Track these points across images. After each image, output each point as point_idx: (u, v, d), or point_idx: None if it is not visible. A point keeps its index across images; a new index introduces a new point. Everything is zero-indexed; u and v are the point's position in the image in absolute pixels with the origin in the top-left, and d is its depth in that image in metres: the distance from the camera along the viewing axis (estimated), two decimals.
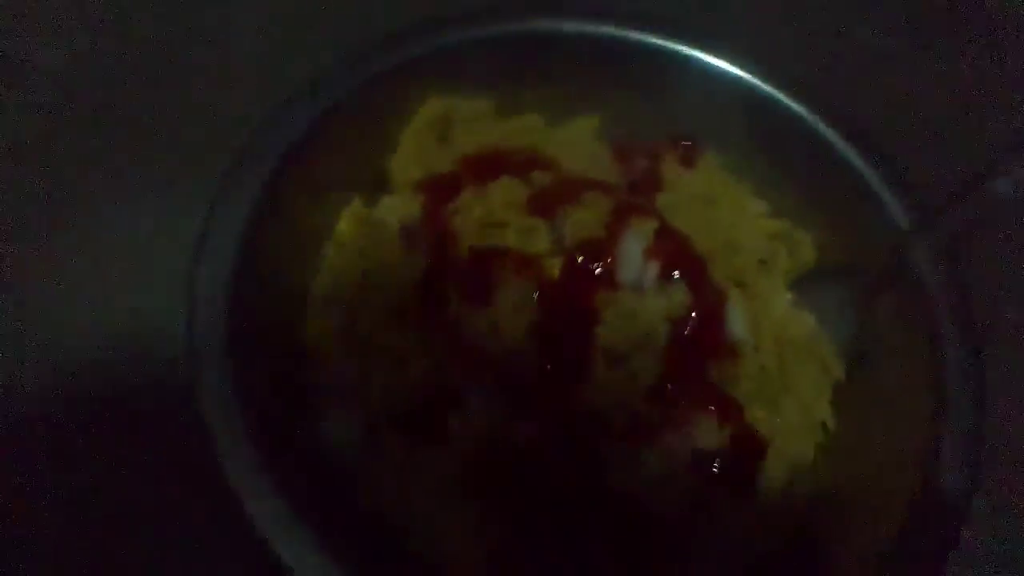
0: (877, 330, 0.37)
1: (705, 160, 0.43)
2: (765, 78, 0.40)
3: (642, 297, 0.36)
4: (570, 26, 0.41)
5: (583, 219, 0.37)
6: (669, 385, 0.35)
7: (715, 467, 0.35)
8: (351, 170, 0.40)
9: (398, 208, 0.39)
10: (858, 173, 0.38)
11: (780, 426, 0.36)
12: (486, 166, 0.39)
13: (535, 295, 0.35)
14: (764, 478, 0.36)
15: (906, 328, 0.36)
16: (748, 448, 0.35)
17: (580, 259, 0.37)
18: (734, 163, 0.43)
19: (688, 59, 0.41)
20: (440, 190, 0.39)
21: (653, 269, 0.37)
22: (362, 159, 0.40)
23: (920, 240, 0.36)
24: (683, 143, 0.43)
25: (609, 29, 0.41)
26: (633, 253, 0.37)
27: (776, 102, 0.40)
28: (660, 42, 0.41)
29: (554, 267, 0.36)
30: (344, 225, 0.39)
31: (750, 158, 0.42)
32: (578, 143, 0.43)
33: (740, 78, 0.40)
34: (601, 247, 0.37)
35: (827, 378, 0.38)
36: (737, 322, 0.38)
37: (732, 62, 0.40)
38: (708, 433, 0.35)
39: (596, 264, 0.37)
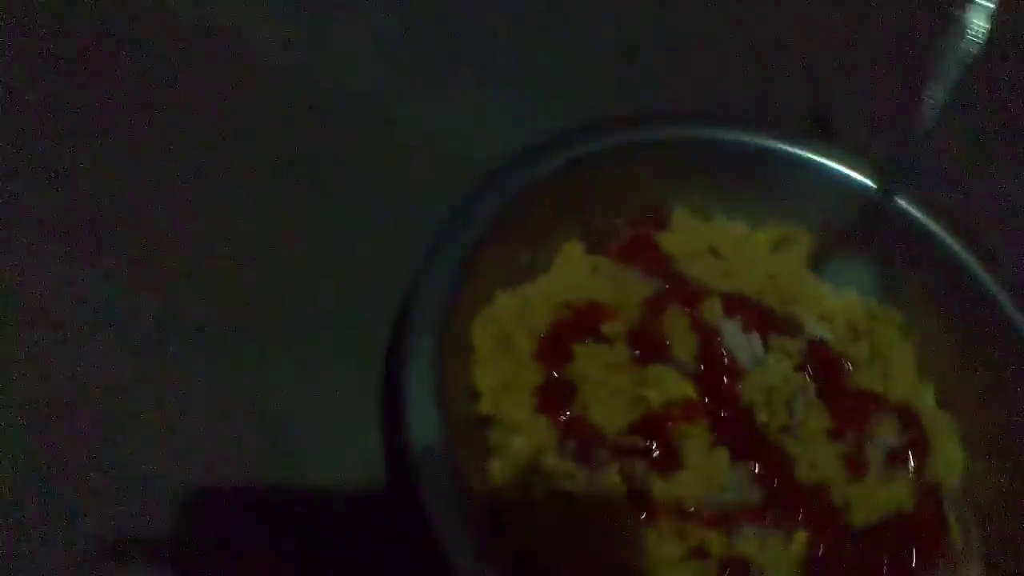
0: None
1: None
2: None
3: (767, 368, 0.40)
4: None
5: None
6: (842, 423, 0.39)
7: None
8: None
9: None
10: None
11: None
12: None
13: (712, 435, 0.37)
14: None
15: None
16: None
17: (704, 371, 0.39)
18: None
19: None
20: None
21: (756, 339, 0.40)
22: None
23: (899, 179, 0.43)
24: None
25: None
26: (736, 337, 0.40)
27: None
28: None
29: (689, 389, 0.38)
30: None
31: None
32: None
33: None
34: (707, 349, 0.39)
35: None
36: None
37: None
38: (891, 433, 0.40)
39: (719, 370, 0.39)
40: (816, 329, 0.43)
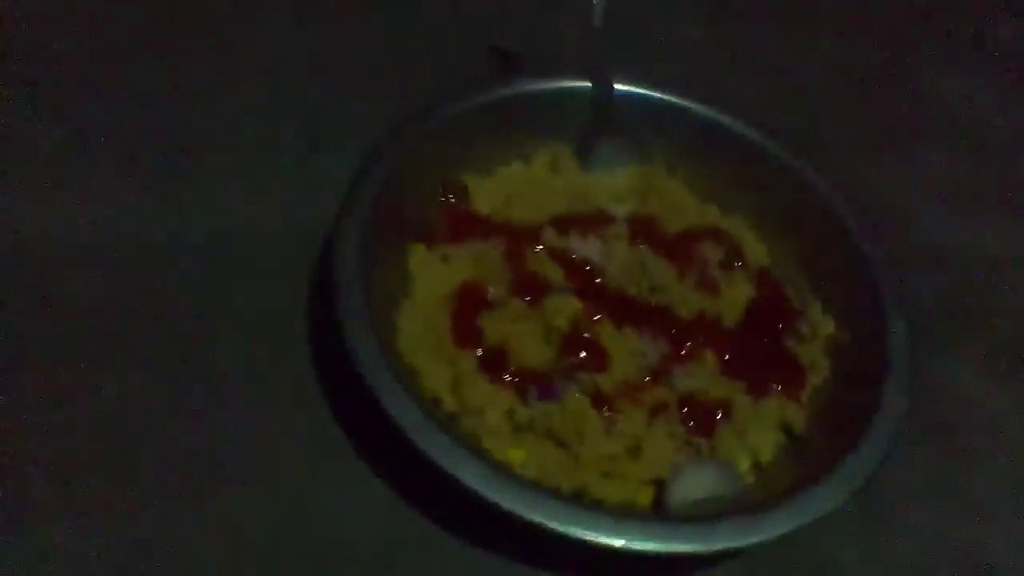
0: None
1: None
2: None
3: (614, 256, 0.49)
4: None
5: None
6: None
7: None
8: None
9: None
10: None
11: None
12: None
13: None
14: None
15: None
16: None
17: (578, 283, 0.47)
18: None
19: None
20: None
21: (593, 240, 0.49)
22: None
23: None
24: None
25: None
26: (582, 247, 0.49)
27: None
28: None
29: None
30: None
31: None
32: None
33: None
34: (570, 267, 0.48)
35: None
36: None
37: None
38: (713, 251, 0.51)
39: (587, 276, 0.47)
40: (620, 211, 0.52)
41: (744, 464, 0.44)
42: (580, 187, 0.53)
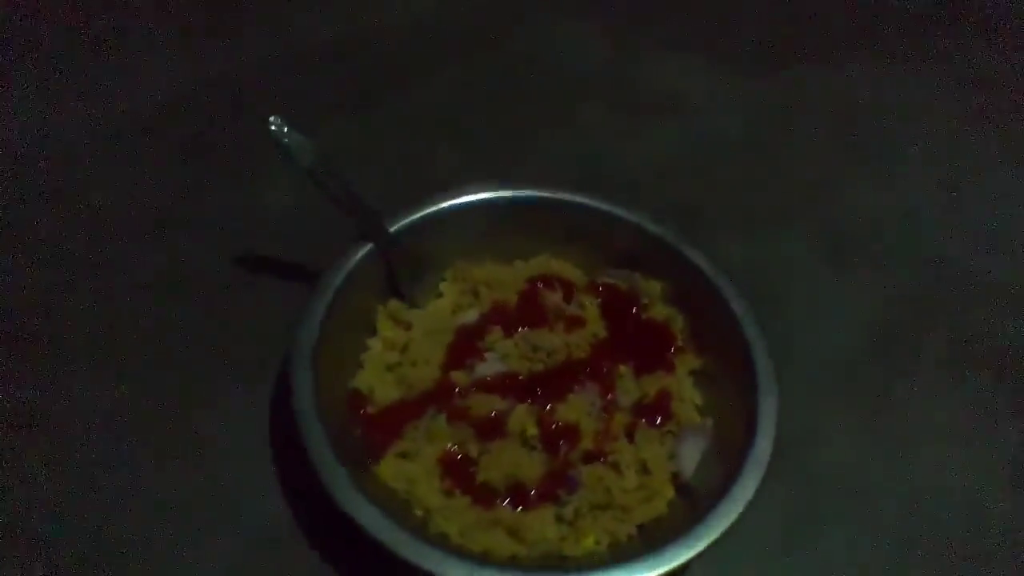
0: None
1: None
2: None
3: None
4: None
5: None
6: None
7: None
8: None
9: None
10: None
11: None
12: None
13: None
14: None
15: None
16: None
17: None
18: None
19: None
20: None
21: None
22: None
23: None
24: None
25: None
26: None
27: None
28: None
29: None
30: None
31: None
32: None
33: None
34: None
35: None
36: None
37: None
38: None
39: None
40: (471, 316, 0.61)
41: (696, 413, 0.57)
42: (430, 322, 0.60)
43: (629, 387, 0.57)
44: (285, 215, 0.71)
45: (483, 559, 0.48)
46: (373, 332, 0.59)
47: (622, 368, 0.58)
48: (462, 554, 0.47)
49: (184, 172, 0.74)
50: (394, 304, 0.60)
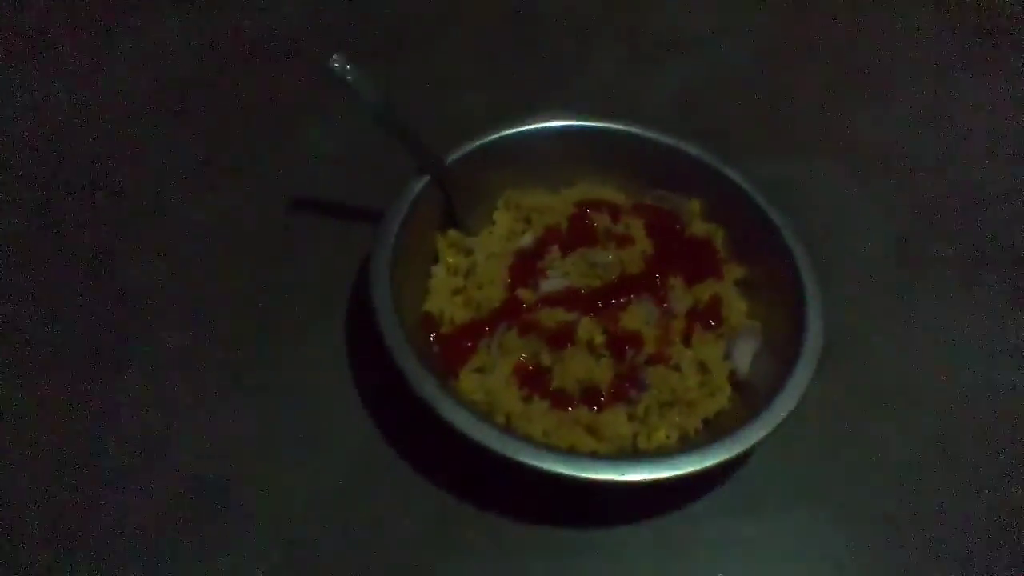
0: None
1: None
2: None
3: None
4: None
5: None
6: None
7: None
8: None
9: None
10: None
11: None
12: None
13: None
14: None
15: None
16: None
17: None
18: None
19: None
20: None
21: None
22: None
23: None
24: None
25: None
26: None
27: None
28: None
29: None
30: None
31: None
32: None
33: None
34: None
35: None
36: None
37: None
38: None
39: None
40: (527, 240, 0.64)
41: (744, 317, 0.61)
42: (489, 248, 0.63)
43: (682, 296, 0.61)
44: (339, 158, 0.74)
45: (571, 454, 0.52)
46: (435, 261, 0.63)
47: (673, 280, 0.62)
48: (551, 448, 0.51)
49: (236, 122, 0.77)
50: (453, 233, 0.63)
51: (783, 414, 0.52)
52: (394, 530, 0.53)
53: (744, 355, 0.59)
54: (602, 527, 0.54)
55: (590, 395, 0.56)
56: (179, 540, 0.52)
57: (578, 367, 0.56)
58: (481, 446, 0.49)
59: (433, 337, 0.59)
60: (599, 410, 0.55)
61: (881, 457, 0.59)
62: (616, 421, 0.55)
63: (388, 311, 0.54)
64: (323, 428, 0.57)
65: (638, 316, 0.59)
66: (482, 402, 0.56)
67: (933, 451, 0.59)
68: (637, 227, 0.65)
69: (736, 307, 0.62)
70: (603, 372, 0.57)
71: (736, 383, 0.58)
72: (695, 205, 0.66)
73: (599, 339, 0.58)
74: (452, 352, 0.58)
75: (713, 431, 0.56)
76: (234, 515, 0.53)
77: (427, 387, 0.51)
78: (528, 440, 0.51)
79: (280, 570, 0.51)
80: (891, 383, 0.63)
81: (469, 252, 0.63)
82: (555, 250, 0.62)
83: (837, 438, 0.60)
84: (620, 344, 0.58)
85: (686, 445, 0.55)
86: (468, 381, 0.56)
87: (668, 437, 0.55)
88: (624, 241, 0.64)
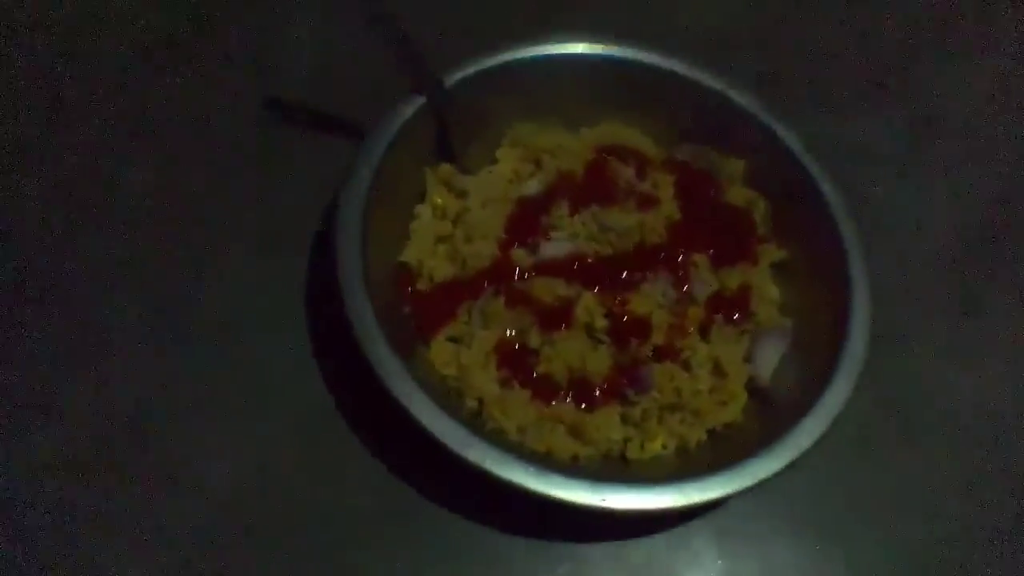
0: None
1: None
2: None
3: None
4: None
5: None
6: None
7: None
8: None
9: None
10: None
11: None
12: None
13: None
14: None
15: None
16: None
17: None
18: None
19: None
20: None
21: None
22: None
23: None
24: None
25: None
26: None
27: None
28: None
29: None
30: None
31: None
32: None
33: None
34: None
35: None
36: None
37: None
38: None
39: None
40: (532, 187, 0.54)
41: (776, 312, 0.52)
42: (487, 191, 0.53)
43: (706, 278, 0.52)
44: (324, 65, 0.63)
45: (543, 460, 0.44)
46: (421, 200, 0.53)
47: (697, 257, 0.52)
48: (521, 453, 0.43)
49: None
50: (446, 168, 0.53)
51: (807, 443, 0.44)
52: (328, 508, 0.46)
53: (768, 359, 0.50)
54: (565, 540, 0.47)
55: (580, 388, 0.47)
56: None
57: (571, 352, 0.47)
58: (437, 441, 0.41)
59: (407, 293, 0.50)
60: (588, 407, 0.47)
61: (905, 497, 0.50)
62: (606, 423, 0.47)
63: (352, 257, 0.45)
64: (267, 384, 0.49)
65: (651, 298, 0.50)
66: (452, 379, 0.47)
67: (970, 500, 0.51)
68: (665, 186, 0.55)
69: (768, 299, 0.52)
70: (600, 362, 0.48)
71: (753, 391, 0.49)
72: (737, 166, 0.56)
73: (600, 322, 0.48)
74: (426, 313, 0.49)
75: (718, 447, 0.47)
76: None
77: (381, 356, 0.42)
78: (495, 440, 0.43)
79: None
80: (935, 409, 0.54)
81: (462, 194, 0.53)
82: (564, 205, 0.52)
83: (856, 466, 0.51)
84: (625, 331, 0.48)
85: (684, 461, 0.46)
86: (440, 351, 0.48)
87: (665, 447, 0.47)
88: (647, 202, 0.54)
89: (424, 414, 0.42)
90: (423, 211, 0.52)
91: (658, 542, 0.48)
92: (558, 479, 0.41)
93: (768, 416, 0.48)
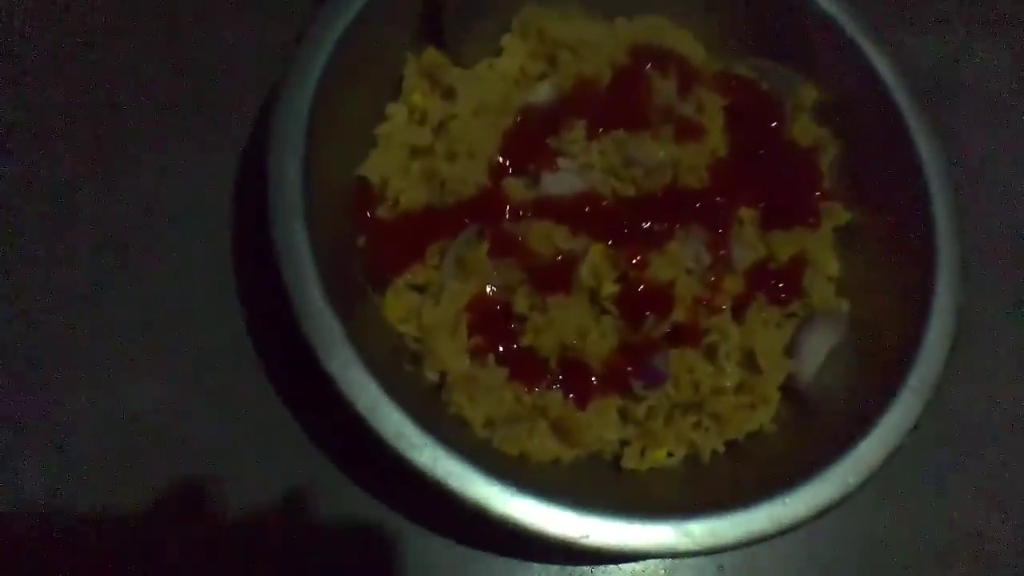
0: None
1: None
2: None
3: None
4: None
5: None
6: None
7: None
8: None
9: None
10: None
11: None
12: None
13: None
14: None
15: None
16: None
17: None
18: None
19: None
20: None
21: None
22: None
23: None
24: None
25: None
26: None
27: None
28: None
29: None
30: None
31: None
32: None
33: None
34: None
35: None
36: None
37: None
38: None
39: None
40: (542, 93, 0.41)
41: (837, 302, 0.41)
42: (483, 92, 0.41)
43: (751, 241, 0.40)
44: None
45: (513, 467, 0.34)
46: (397, 96, 0.40)
47: (744, 212, 0.40)
48: (485, 458, 0.33)
49: None
50: (433, 55, 0.40)
51: (861, 475, 0.34)
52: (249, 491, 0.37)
53: (815, 354, 0.39)
54: (518, 558, 0.38)
55: (573, 372, 0.37)
56: None
57: (566, 324, 0.37)
58: (377, 436, 0.31)
59: (363, 219, 0.38)
60: (581, 399, 0.36)
61: (957, 552, 0.41)
62: (601, 420, 0.36)
63: (290, 161, 0.34)
64: (180, 306, 0.39)
65: (677, 260, 0.38)
66: (411, 339, 0.37)
67: None
68: (714, 110, 0.42)
69: (825, 275, 0.41)
70: (602, 340, 0.37)
71: (788, 392, 0.39)
72: (809, 91, 0.43)
73: (609, 287, 0.37)
74: (385, 250, 0.38)
75: (739, 463, 0.37)
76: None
77: (311, 305, 0.32)
78: (454, 434, 0.33)
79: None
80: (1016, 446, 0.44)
81: (450, 93, 0.40)
82: (580, 125, 0.40)
83: (903, 506, 0.41)
84: (639, 302, 0.37)
85: (693, 479, 0.37)
86: (397, 302, 0.37)
87: (671, 456, 0.37)
88: (689, 131, 0.41)
89: (361, 397, 0.31)
90: (396, 112, 0.40)
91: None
92: (530, 502, 0.31)
93: (804, 428, 0.38)
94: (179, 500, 0.36)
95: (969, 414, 0.44)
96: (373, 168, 0.39)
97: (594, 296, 0.37)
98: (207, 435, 0.37)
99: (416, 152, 0.39)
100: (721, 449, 0.37)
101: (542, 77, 0.42)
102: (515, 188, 0.38)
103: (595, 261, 0.37)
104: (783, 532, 0.32)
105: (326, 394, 0.31)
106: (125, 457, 0.36)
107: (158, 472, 0.36)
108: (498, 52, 0.42)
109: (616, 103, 0.41)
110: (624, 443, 0.37)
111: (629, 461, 0.37)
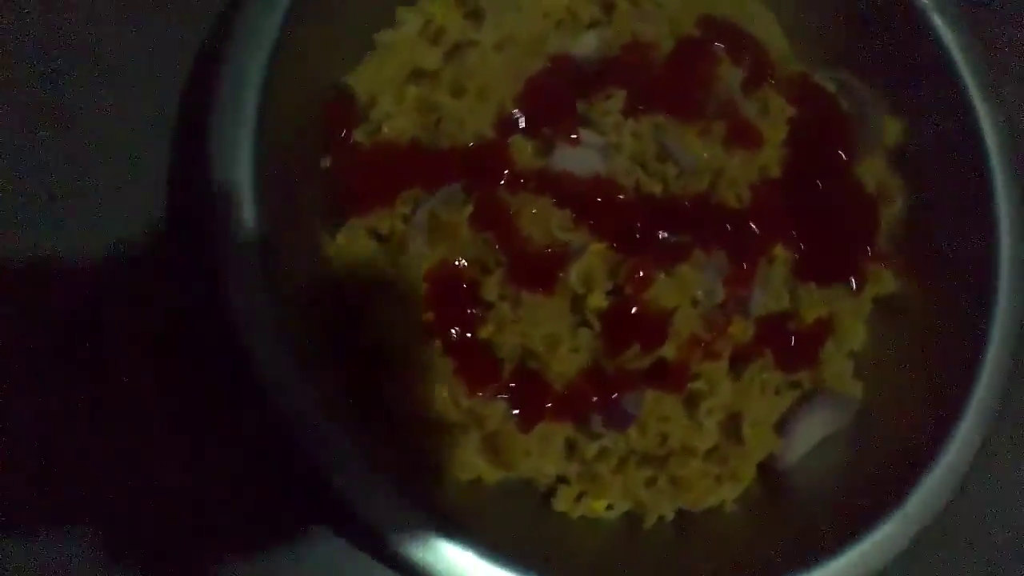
0: None
1: None
2: None
3: None
4: None
5: None
6: None
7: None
8: None
9: None
10: None
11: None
12: None
13: None
14: None
15: None
16: None
17: None
18: None
19: None
20: None
21: None
22: None
23: None
24: None
25: None
26: None
27: None
28: None
29: None
30: None
31: None
32: None
33: None
34: None
35: None
36: None
37: None
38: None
39: None
40: (584, 48, 0.34)
41: (851, 383, 0.35)
42: (513, 26, 0.33)
43: (777, 287, 0.34)
44: None
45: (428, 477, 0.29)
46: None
47: (779, 251, 0.34)
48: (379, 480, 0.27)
49: None
50: None
51: None
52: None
53: (808, 436, 0.34)
54: None
55: (528, 384, 0.31)
56: None
57: (537, 327, 0.30)
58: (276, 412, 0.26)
59: (334, 138, 0.31)
60: (528, 419, 0.30)
61: None
62: (544, 448, 0.31)
63: (255, 47, 0.27)
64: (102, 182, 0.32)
65: (687, 286, 0.32)
66: (352, 289, 0.31)
67: None
68: (779, 116, 0.35)
69: (847, 349, 0.35)
70: (573, 356, 0.31)
71: (766, 469, 0.33)
72: (893, 127, 0.36)
73: (599, 298, 0.31)
74: (352, 180, 0.31)
75: (687, 539, 0.32)
76: None
77: (239, 231, 0.26)
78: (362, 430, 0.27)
79: None
80: None
81: (477, 13, 0.33)
82: (620, 96, 0.33)
83: None
84: (629, 324, 0.31)
85: (628, 545, 0.31)
86: (347, 247, 0.31)
87: (610, 509, 0.32)
88: (744, 135, 0.34)
89: (271, 368, 0.25)
90: (407, 19, 0.33)
91: None
92: (435, 543, 0.26)
93: (771, 516, 0.32)
94: None
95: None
96: (362, 79, 0.32)
97: (578, 303, 0.31)
98: None
99: (418, 75, 0.32)
100: (670, 517, 0.32)
101: (592, 26, 0.34)
102: (522, 150, 0.32)
103: (591, 263, 0.31)
104: None
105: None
106: None
107: None
108: None
109: (669, 80, 0.34)
110: (562, 479, 0.31)
111: (561, 503, 0.31)
